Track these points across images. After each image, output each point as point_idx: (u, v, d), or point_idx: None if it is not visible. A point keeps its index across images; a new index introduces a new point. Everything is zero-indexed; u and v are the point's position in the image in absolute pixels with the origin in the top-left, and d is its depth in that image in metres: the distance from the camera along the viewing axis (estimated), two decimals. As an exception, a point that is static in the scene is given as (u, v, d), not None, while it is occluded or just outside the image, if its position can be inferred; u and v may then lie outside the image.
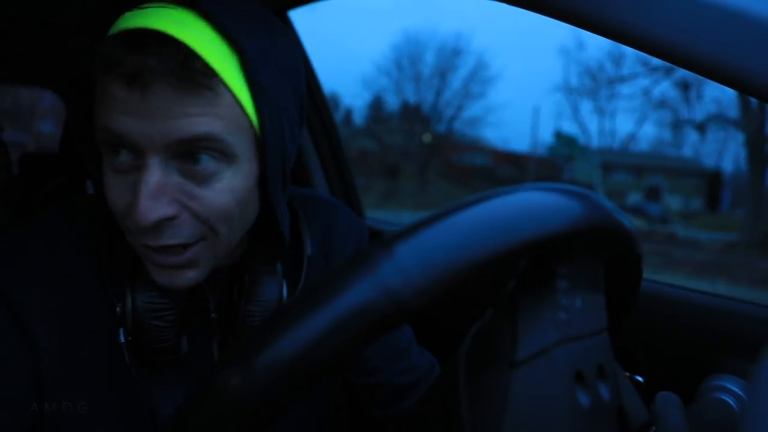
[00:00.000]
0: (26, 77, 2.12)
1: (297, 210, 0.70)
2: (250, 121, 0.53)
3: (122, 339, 0.57)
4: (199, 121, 0.49)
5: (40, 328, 0.57)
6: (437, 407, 0.39)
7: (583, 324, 0.37)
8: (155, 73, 0.46)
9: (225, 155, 0.51)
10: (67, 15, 1.26)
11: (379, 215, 1.68)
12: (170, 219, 0.51)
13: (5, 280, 0.58)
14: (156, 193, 0.49)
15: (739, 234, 14.65)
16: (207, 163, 0.51)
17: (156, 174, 0.49)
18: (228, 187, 0.52)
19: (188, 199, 0.51)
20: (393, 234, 0.30)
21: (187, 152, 0.50)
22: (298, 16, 1.29)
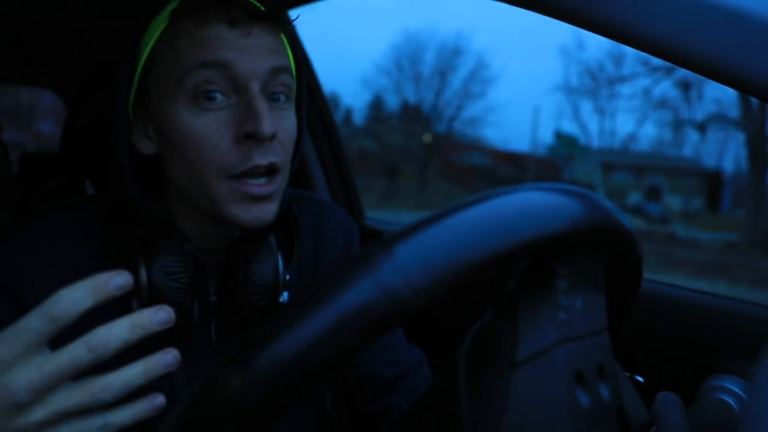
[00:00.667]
0: (26, 77, 2.13)
1: (290, 204, 0.72)
2: (291, 71, 0.65)
3: (136, 308, 0.59)
4: (283, 55, 0.63)
5: None
6: (437, 407, 0.39)
7: (583, 324, 0.37)
8: (256, 17, 0.60)
9: (290, 92, 0.64)
10: (68, 15, 1.26)
11: (379, 215, 1.68)
12: (272, 138, 0.60)
13: (10, 271, 0.60)
14: (268, 111, 0.59)
15: (739, 234, 14.63)
16: (282, 99, 0.63)
17: (263, 98, 0.60)
18: (292, 122, 0.64)
19: (276, 126, 0.60)
20: (393, 234, 0.30)
21: (272, 87, 0.61)
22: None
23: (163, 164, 0.64)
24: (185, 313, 0.61)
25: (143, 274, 0.59)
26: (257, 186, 0.60)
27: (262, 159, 0.59)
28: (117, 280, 0.42)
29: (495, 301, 0.39)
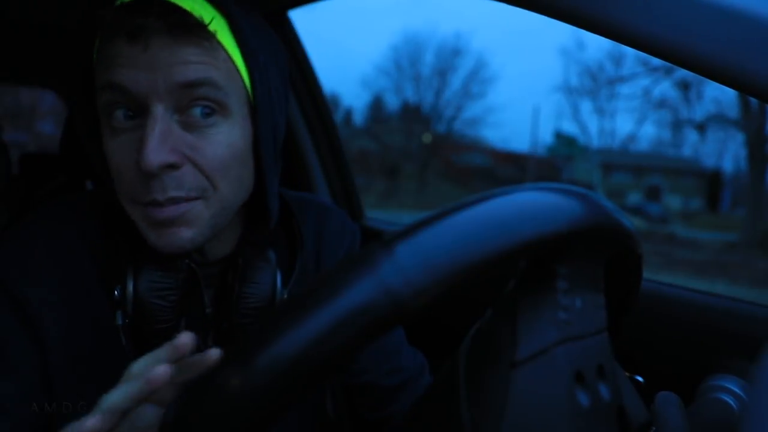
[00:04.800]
0: (27, 78, 2.12)
1: (291, 207, 0.71)
2: (242, 80, 0.57)
3: (119, 321, 0.58)
4: (198, 67, 0.53)
5: (47, 321, 0.58)
6: (437, 407, 0.39)
7: (582, 324, 0.37)
8: (155, 29, 0.52)
9: (221, 107, 0.55)
10: (67, 16, 1.26)
11: (379, 215, 1.68)
12: (173, 168, 0.53)
13: (9, 274, 0.58)
14: (161, 139, 0.52)
15: (739, 234, 14.64)
16: (205, 114, 0.55)
17: (160, 122, 0.52)
18: (225, 140, 0.56)
19: (189, 150, 0.54)
20: (393, 234, 0.30)
21: (187, 103, 0.54)
22: (298, 16, 1.29)
23: None
24: (171, 332, 0.57)
25: (129, 287, 0.57)
26: (159, 211, 0.55)
27: (159, 194, 0.54)
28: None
29: (495, 301, 0.39)
